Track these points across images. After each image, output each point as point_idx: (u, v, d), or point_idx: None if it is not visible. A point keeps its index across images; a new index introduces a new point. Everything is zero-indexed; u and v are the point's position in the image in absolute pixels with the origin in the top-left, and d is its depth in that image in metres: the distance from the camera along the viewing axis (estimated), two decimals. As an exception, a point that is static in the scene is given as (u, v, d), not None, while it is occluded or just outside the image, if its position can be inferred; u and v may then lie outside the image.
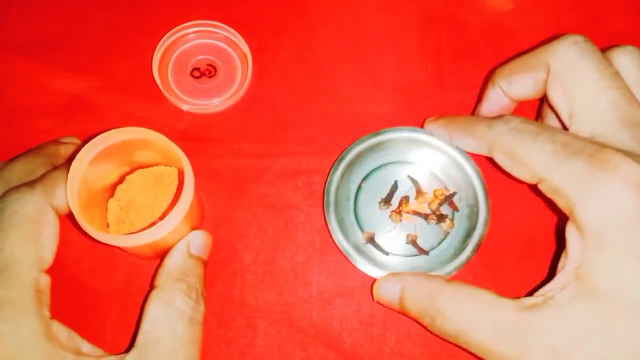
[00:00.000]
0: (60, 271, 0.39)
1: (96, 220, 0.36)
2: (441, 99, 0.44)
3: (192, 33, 0.45)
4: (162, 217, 0.36)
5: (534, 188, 0.32)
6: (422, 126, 0.40)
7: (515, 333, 0.29)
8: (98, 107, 0.43)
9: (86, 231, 0.32)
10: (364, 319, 0.38)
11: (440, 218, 0.39)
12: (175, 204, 0.33)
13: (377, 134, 0.39)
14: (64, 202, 0.32)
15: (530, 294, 0.30)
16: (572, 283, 0.29)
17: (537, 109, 0.41)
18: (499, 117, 0.34)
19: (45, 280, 0.31)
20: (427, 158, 0.40)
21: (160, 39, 0.44)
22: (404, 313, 0.34)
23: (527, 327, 0.29)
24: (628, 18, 0.47)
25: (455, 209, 0.39)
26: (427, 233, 0.39)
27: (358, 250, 0.37)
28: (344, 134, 0.42)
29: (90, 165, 0.33)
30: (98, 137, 0.33)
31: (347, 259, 0.36)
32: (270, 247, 0.40)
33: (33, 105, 0.43)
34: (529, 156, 0.31)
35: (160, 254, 0.36)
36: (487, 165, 0.37)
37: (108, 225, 0.37)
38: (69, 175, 0.32)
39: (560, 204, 0.30)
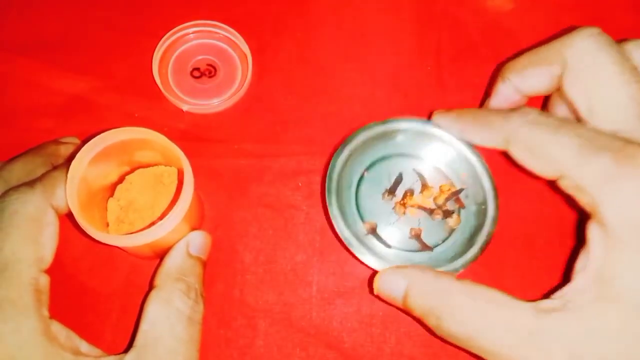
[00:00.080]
0: (59, 271, 0.39)
1: (96, 219, 0.36)
2: (441, 99, 0.44)
3: (192, 33, 0.45)
4: (161, 217, 0.36)
5: (551, 184, 0.31)
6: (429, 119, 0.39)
7: (536, 338, 0.27)
8: (98, 107, 0.43)
9: (85, 231, 0.32)
10: (364, 319, 0.38)
11: (446, 214, 0.38)
12: (175, 204, 0.33)
13: (384, 122, 0.37)
14: (63, 202, 0.32)
15: (536, 294, 0.30)
16: (594, 285, 0.27)
17: (541, 104, 0.41)
18: (515, 109, 0.33)
19: (45, 280, 0.31)
20: (434, 152, 0.39)
21: (160, 39, 0.44)
22: (405, 311, 0.33)
23: (549, 333, 0.27)
24: (628, 18, 0.47)
25: (461, 205, 0.38)
26: (431, 229, 0.38)
27: (359, 240, 0.35)
28: (344, 134, 0.42)
29: (90, 164, 0.33)
30: (98, 136, 0.33)
31: (347, 248, 0.35)
32: (270, 247, 0.40)
33: (33, 105, 0.43)
34: (551, 150, 0.30)
35: (160, 254, 0.36)
36: (496, 162, 0.37)
37: (108, 225, 0.37)
38: (69, 175, 0.32)
39: (583, 201, 0.29)
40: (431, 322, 0.31)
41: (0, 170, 0.36)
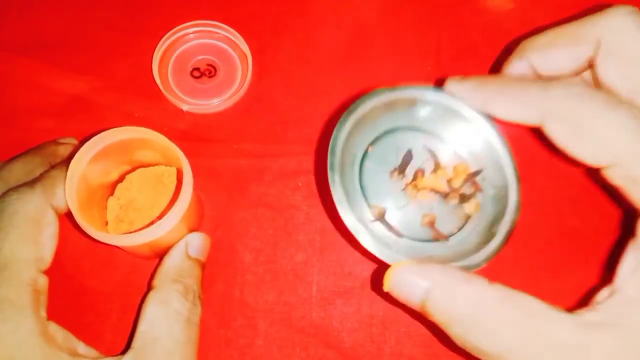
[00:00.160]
0: (59, 271, 0.39)
1: (95, 218, 0.36)
2: (441, 99, 0.44)
3: (192, 33, 0.45)
4: (160, 217, 0.36)
5: (590, 171, 0.29)
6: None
7: (581, 357, 0.24)
8: (98, 107, 0.43)
9: (85, 230, 0.32)
10: (364, 319, 0.38)
11: (463, 198, 0.33)
12: (174, 204, 0.33)
13: (393, 89, 0.33)
14: (63, 201, 0.32)
15: (566, 295, 0.28)
16: None
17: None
18: (554, 79, 0.28)
19: (44, 281, 0.31)
20: (447, 126, 0.34)
21: (160, 39, 0.44)
22: (415, 313, 0.29)
23: (595, 351, 0.24)
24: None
25: (478, 189, 0.33)
26: (444, 215, 0.33)
27: (366, 228, 0.30)
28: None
29: (89, 164, 0.33)
30: (98, 136, 0.33)
31: (351, 237, 0.29)
32: (270, 247, 0.40)
33: (33, 105, 0.43)
34: (603, 132, 0.25)
35: (159, 254, 0.36)
36: (516, 140, 0.33)
37: (107, 224, 0.37)
38: (68, 174, 0.32)
39: (636, 195, 0.26)
40: (455, 332, 0.26)
41: (0, 170, 0.36)
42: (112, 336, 0.37)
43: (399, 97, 0.33)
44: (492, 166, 0.33)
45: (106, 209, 0.38)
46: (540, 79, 0.32)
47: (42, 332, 0.29)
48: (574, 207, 0.40)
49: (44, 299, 0.31)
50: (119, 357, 0.31)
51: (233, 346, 0.37)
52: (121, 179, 0.38)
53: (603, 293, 0.26)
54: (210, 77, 0.45)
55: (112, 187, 0.38)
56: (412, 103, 0.33)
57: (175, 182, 0.38)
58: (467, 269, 0.29)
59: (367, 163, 0.33)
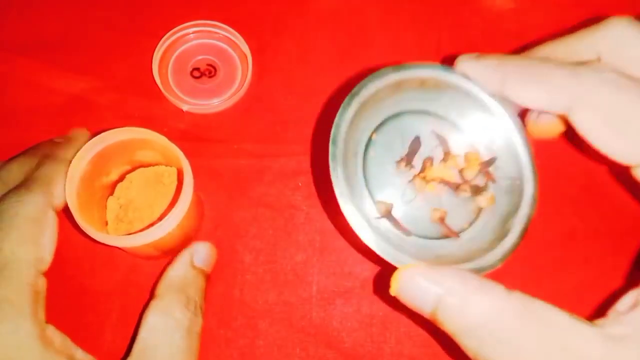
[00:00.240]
0: (59, 271, 0.39)
1: (95, 218, 0.36)
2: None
3: (192, 33, 0.45)
4: (161, 218, 0.36)
5: (615, 168, 0.28)
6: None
7: None
8: (98, 107, 0.43)
9: (85, 231, 0.32)
10: (364, 319, 0.38)
11: (476, 190, 0.30)
12: (174, 205, 0.33)
13: (400, 69, 0.29)
14: (61, 198, 0.32)
15: (584, 300, 0.28)
16: None
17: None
18: (584, 62, 0.26)
19: (42, 283, 0.31)
20: (458, 110, 0.31)
21: (160, 39, 0.44)
22: (416, 315, 0.26)
23: None
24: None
25: (491, 179, 0.30)
26: (454, 209, 0.30)
27: (370, 226, 0.27)
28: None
29: (89, 164, 0.33)
30: (98, 136, 0.33)
31: (354, 237, 0.27)
32: (270, 247, 0.40)
33: (33, 105, 0.43)
34: None
35: (159, 254, 0.36)
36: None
37: (107, 224, 0.37)
38: (68, 174, 0.32)
39: None
40: (468, 343, 0.24)
41: None
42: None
43: (406, 77, 0.30)
44: (507, 154, 0.30)
45: (106, 209, 0.38)
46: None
47: (40, 335, 0.29)
48: (574, 207, 0.40)
49: (42, 301, 0.31)
50: None
51: (233, 346, 0.37)
52: (121, 178, 0.38)
53: (625, 301, 0.25)
54: (210, 77, 0.45)
55: (112, 187, 0.38)
56: (421, 84, 0.30)
57: (175, 182, 0.38)
58: (481, 270, 0.27)
59: (372, 152, 0.30)
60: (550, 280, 0.38)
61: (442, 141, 0.31)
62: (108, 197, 0.38)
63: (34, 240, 0.31)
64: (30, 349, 0.28)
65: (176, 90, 0.44)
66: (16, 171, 0.35)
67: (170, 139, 0.33)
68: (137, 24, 0.46)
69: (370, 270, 0.39)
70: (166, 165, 0.39)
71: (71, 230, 0.37)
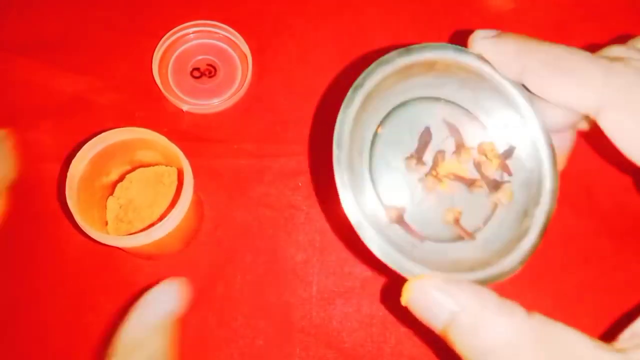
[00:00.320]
0: (60, 271, 0.39)
1: (95, 218, 0.36)
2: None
3: (192, 33, 0.45)
4: (161, 218, 0.36)
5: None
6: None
7: None
8: (98, 107, 0.43)
9: (85, 231, 0.32)
10: (364, 319, 0.38)
11: (495, 185, 0.27)
12: (174, 205, 0.33)
13: (406, 52, 0.26)
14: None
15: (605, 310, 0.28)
16: None
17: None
18: (617, 58, 0.23)
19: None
20: (471, 95, 0.28)
21: (160, 39, 0.44)
22: (441, 337, 0.24)
23: None
24: (629, 17, 0.47)
25: (508, 172, 0.28)
26: (468, 206, 0.27)
27: (380, 234, 0.25)
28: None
29: (89, 164, 0.33)
30: (98, 136, 0.33)
31: (369, 251, 0.24)
32: (270, 247, 0.40)
33: (33, 105, 0.43)
34: None
35: (160, 254, 0.36)
36: None
37: (107, 224, 0.37)
38: (68, 174, 0.32)
39: None
40: None
41: None
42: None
43: (413, 61, 0.27)
44: (524, 144, 0.27)
45: (106, 209, 0.38)
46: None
47: None
48: (574, 207, 0.40)
49: None
50: None
51: (233, 346, 0.37)
52: (121, 178, 0.38)
53: None
54: (210, 77, 0.45)
55: (112, 187, 0.38)
56: (430, 68, 0.27)
57: (175, 182, 0.38)
58: (501, 276, 0.25)
59: (378, 148, 0.27)
60: (550, 280, 0.38)
61: (454, 131, 0.28)
62: (108, 197, 0.38)
63: None
64: None
65: (176, 90, 0.44)
66: None
67: (170, 139, 0.33)
68: (137, 24, 0.46)
69: (370, 270, 0.39)
70: (166, 165, 0.39)
71: (71, 230, 0.37)
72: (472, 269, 0.25)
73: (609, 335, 0.25)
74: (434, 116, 0.28)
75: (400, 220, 0.27)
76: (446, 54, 0.27)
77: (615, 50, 0.25)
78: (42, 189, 0.40)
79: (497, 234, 0.27)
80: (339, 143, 0.25)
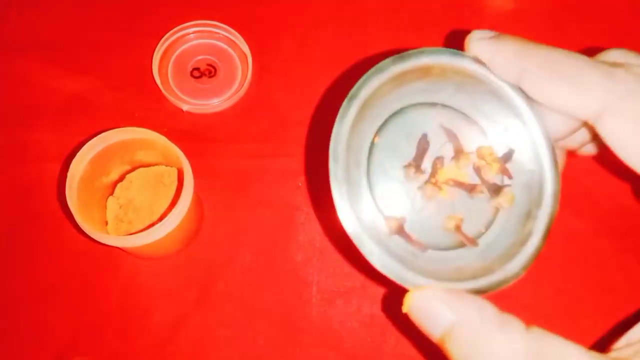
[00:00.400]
0: (60, 271, 0.39)
1: (95, 218, 0.36)
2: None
3: (192, 33, 0.45)
4: (161, 218, 0.36)
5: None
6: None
7: None
8: (98, 107, 0.43)
9: (85, 231, 0.32)
10: (364, 319, 0.38)
11: (496, 190, 0.27)
12: (174, 205, 0.33)
13: (400, 59, 0.26)
14: None
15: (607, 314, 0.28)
16: None
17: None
18: (617, 64, 0.23)
19: None
20: (466, 98, 0.28)
21: (160, 39, 0.44)
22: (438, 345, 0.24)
23: None
24: (628, 17, 0.47)
25: (508, 175, 0.27)
26: (469, 212, 0.27)
27: (380, 246, 0.25)
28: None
29: (89, 164, 0.33)
30: (98, 136, 0.33)
31: (371, 265, 0.25)
32: (270, 247, 0.40)
33: (33, 105, 0.43)
34: None
35: (160, 254, 0.36)
36: None
37: (107, 224, 0.37)
38: (68, 174, 0.32)
39: None
40: None
41: None
42: (112, 336, 0.37)
43: (408, 67, 0.26)
44: (524, 146, 0.27)
45: (106, 209, 0.38)
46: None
47: None
48: (574, 207, 0.40)
49: None
50: None
51: (233, 346, 0.37)
52: (121, 178, 0.38)
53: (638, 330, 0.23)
54: (210, 77, 0.45)
55: (112, 187, 0.38)
56: (425, 73, 0.27)
57: (175, 182, 0.38)
58: (505, 282, 0.25)
59: (375, 157, 0.27)
60: (550, 280, 0.38)
61: (452, 136, 0.28)
62: (108, 197, 0.38)
63: None
64: None
65: (176, 90, 0.44)
66: None
67: (170, 139, 0.33)
68: (137, 24, 0.46)
69: (370, 270, 0.39)
70: (166, 165, 0.39)
71: (71, 230, 0.37)
72: (474, 276, 0.25)
73: (608, 339, 0.25)
74: (431, 122, 0.28)
75: (400, 231, 0.27)
76: (441, 59, 0.26)
77: (614, 53, 0.24)
78: (42, 189, 0.40)
79: (500, 238, 0.27)
80: (335, 156, 0.25)
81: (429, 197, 0.27)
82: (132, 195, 0.38)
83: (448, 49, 0.26)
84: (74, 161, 0.32)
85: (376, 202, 0.27)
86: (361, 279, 0.39)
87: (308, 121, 0.43)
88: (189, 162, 0.34)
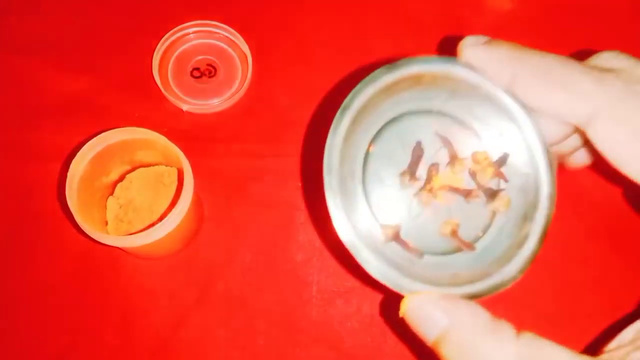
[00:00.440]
0: (60, 271, 0.39)
1: (95, 218, 0.36)
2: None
3: (192, 33, 0.45)
4: (161, 218, 0.36)
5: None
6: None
7: None
8: (98, 107, 0.43)
9: (85, 231, 0.32)
10: (364, 319, 0.38)
11: (491, 194, 0.27)
12: (174, 205, 0.33)
13: (392, 68, 0.26)
14: None
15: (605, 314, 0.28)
16: None
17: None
18: (610, 70, 0.23)
19: None
20: (459, 104, 0.28)
21: (160, 39, 0.44)
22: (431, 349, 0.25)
23: None
24: (629, 17, 0.47)
25: (504, 179, 0.27)
26: (466, 217, 0.27)
27: (376, 253, 0.25)
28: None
29: (89, 164, 0.33)
30: (98, 136, 0.33)
31: (367, 274, 0.25)
32: (270, 247, 0.40)
33: (33, 105, 0.43)
34: None
35: (160, 254, 0.36)
36: None
37: (107, 224, 0.37)
38: (69, 174, 0.32)
39: None
40: None
41: None
42: (112, 336, 0.37)
43: (399, 77, 0.26)
44: (519, 149, 0.27)
45: (106, 209, 0.38)
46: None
47: None
48: (574, 207, 0.40)
49: None
50: None
51: (233, 346, 0.37)
52: (121, 178, 0.38)
53: (634, 330, 0.23)
54: (210, 77, 0.45)
55: (112, 187, 0.38)
56: (417, 81, 0.27)
57: (175, 182, 0.38)
58: (502, 285, 0.25)
59: (371, 166, 0.27)
60: (550, 280, 0.38)
61: (446, 143, 0.28)
62: (108, 197, 0.38)
63: None
64: None
65: (176, 90, 0.44)
66: None
67: (170, 139, 0.33)
68: (137, 24, 0.46)
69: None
70: (166, 165, 0.39)
71: (71, 230, 0.37)
72: (472, 280, 0.25)
73: (602, 340, 0.25)
74: (425, 129, 0.28)
75: (396, 238, 0.27)
76: (432, 67, 0.26)
77: (606, 55, 0.25)
78: (42, 189, 0.40)
79: (497, 242, 0.27)
80: (329, 167, 0.26)
81: (425, 203, 0.27)
82: (132, 195, 0.38)
83: (439, 57, 0.26)
84: (74, 161, 0.32)
85: (372, 210, 0.27)
86: (361, 279, 0.39)
87: (308, 121, 0.43)
88: (189, 162, 0.34)
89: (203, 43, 0.45)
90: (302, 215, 0.41)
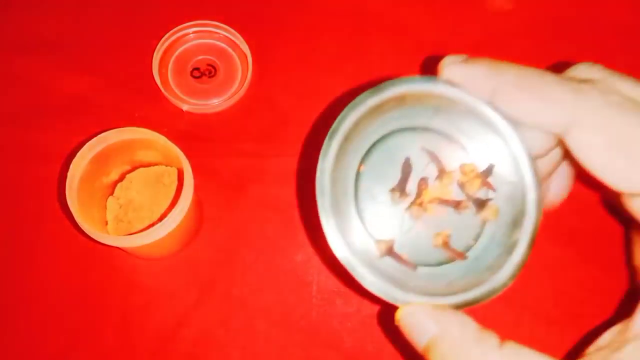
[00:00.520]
0: (60, 271, 0.39)
1: (95, 218, 0.36)
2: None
3: (192, 33, 0.45)
4: (161, 218, 0.36)
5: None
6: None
7: None
8: (98, 107, 0.43)
9: (85, 231, 0.32)
10: (364, 319, 0.38)
11: (480, 204, 0.28)
12: (174, 205, 0.33)
13: (376, 91, 0.28)
14: None
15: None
16: None
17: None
18: (587, 80, 0.24)
19: None
20: (444, 119, 0.29)
21: (160, 39, 0.44)
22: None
23: None
24: (628, 17, 0.47)
25: (491, 188, 0.29)
26: (456, 228, 0.29)
27: (371, 268, 0.26)
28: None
29: (89, 164, 0.33)
30: (98, 136, 0.33)
31: (366, 290, 0.26)
32: (270, 247, 0.40)
33: (33, 105, 0.43)
34: None
35: (160, 254, 0.36)
36: None
37: (107, 224, 0.37)
38: (69, 174, 0.32)
39: None
40: None
41: None
42: (112, 336, 0.37)
43: (384, 99, 0.28)
44: (505, 159, 0.28)
45: (106, 209, 0.38)
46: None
47: None
48: (573, 207, 0.40)
49: None
50: None
51: (233, 346, 0.37)
52: (121, 178, 0.38)
53: (611, 334, 0.24)
54: (210, 77, 0.45)
55: (112, 187, 0.38)
56: (401, 101, 0.28)
57: (175, 182, 0.38)
58: (494, 292, 0.26)
59: (362, 185, 0.29)
60: (550, 280, 0.39)
61: (434, 157, 0.29)
62: (108, 197, 0.38)
63: None
64: None
65: (176, 90, 0.44)
66: None
67: (170, 139, 0.33)
68: (137, 24, 0.46)
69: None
70: (166, 165, 0.39)
71: (71, 230, 0.37)
72: (465, 289, 0.26)
73: (585, 345, 0.26)
74: (412, 146, 0.29)
75: (390, 252, 0.28)
76: (415, 86, 0.28)
77: (581, 67, 0.26)
78: (42, 189, 0.40)
79: (488, 250, 0.28)
80: (321, 191, 0.27)
81: (416, 217, 0.29)
82: (132, 195, 0.38)
83: (421, 77, 0.28)
84: (74, 161, 0.33)
85: (366, 226, 0.28)
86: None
87: (308, 121, 0.43)
88: (189, 162, 0.34)
89: (203, 43, 0.45)
90: (302, 215, 0.41)
